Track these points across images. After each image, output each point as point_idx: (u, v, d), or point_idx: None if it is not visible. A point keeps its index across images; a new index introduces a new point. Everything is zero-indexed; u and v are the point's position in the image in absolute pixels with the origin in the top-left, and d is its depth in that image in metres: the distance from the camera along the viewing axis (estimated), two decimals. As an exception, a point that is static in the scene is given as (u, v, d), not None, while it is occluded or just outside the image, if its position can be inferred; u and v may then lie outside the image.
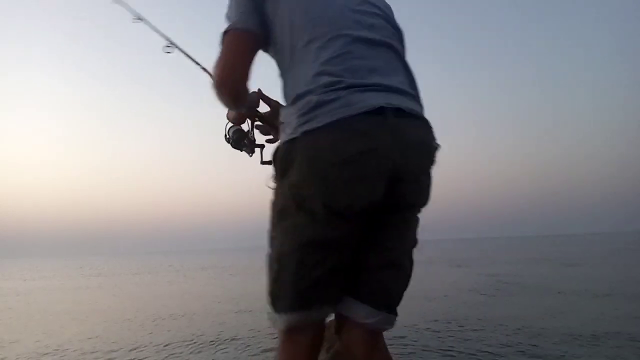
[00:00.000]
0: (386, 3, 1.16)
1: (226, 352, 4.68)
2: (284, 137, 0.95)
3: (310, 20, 0.97)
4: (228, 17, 1.02)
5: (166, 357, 4.65)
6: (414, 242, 1.05)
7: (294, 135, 0.91)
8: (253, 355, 4.52)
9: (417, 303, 7.11)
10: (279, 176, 0.96)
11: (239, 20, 1.01)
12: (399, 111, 0.92)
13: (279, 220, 0.96)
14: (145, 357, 4.66)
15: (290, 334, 0.96)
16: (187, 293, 11.86)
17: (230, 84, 1.01)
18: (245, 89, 1.04)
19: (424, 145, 0.98)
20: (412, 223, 1.04)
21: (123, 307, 9.35)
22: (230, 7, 1.03)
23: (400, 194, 0.94)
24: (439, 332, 5.10)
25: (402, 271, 1.02)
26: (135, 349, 5.08)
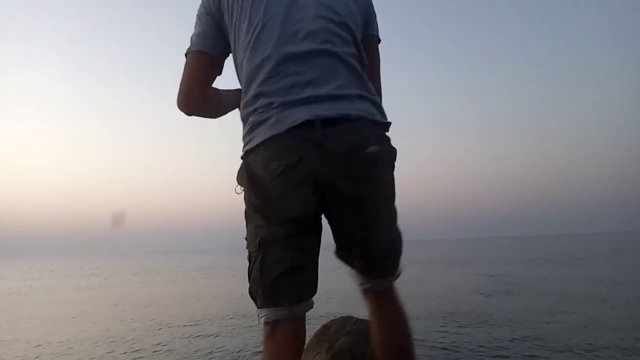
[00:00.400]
0: None
1: (224, 351, 4.69)
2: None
3: (250, 39, 1.01)
4: (191, 38, 1.08)
5: (165, 352, 4.66)
6: (388, 233, 1.07)
7: (242, 154, 1.02)
8: (251, 353, 4.53)
9: (416, 302, 7.11)
10: (241, 187, 1.05)
11: (196, 42, 1.07)
12: (328, 120, 0.94)
13: (247, 224, 1.04)
14: (144, 353, 4.67)
15: (269, 327, 1.00)
16: (186, 293, 11.88)
17: (187, 105, 1.09)
18: (202, 106, 1.12)
19: (355, 150, 0.95)
20: (379, 219, 1.04)
21: (123, 306, 9.37)
22: (194, 26, 1.09)
23: (339, 197, 0.97)
24: (438, 330, 5.10)
25: (385, 257, 1.08)
26: (134, 345, 5.09)
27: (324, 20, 1.02)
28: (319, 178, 0.94)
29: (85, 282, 18.79)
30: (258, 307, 1.01)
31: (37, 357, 4.89)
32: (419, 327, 5.30)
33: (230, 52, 1.10)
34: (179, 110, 1.08)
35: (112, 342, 5.47)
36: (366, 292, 1.12)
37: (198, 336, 5.56)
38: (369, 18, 1.15)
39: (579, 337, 4.58)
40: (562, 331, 4.87)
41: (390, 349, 1.08)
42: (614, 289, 8.57)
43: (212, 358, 4.53)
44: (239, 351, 4.70)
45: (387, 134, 1.05)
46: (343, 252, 1.08)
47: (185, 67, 1.07)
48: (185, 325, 6.43)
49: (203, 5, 1.09)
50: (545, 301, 7.28)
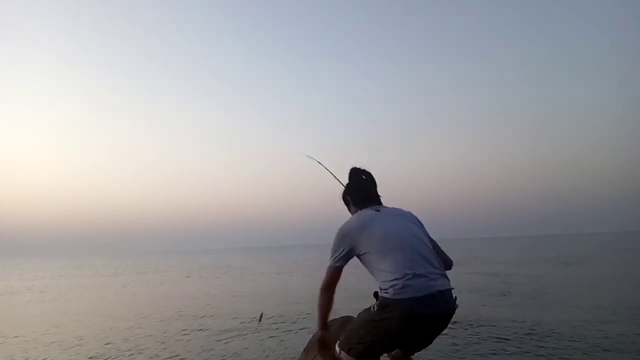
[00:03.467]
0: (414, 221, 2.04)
1: (222, 348, 4.72)
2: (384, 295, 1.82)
3: (379, 257, 1.84)
4: (332, 254, 1.92)
5: (164, 349, 4.69)
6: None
7: (382, 303, 1.80)
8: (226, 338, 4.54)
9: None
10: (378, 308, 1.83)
11: (340, 260, 1.91)
12: (439, 291, 1.78)
13: (368, 322, 1.84)
14: (145, 350, 4.70)
15: None
16: (186, 291, 11.91)
17: (326, 289, 1.93)
18: (331, 294, 1.95)
19: (450, 301, 1.81)
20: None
21: (125, 305, 9.39)
22: (333, 247, 1.92)
23: (436, 324, 1.81)
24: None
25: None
26: (136, 341, 5.15)
27: (418, 240, 1.90)
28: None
29: (88, 281, 18.84)
30: (351, 355, 1.90)
31: (50, 353, 4.91)
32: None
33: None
34: (320, 293, 1.94)
35: (114, 338, 5.51)
36: (397, 357, 2.02)
37: (195, 332, 5.58)
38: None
39: (578, 334, 4.60)
40: (561, 328, 4.90)
41: None
42: (610, 288, 8.60)
43: (212, 354, 4.55)
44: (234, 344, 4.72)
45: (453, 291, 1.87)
46: (403, 346, 1.93)
47: (331, 272, 1.91)
48: (184, 322, 6.46)
49: (343, 242, 1.90)
50: (544, 300, 7.33)
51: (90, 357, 4.78)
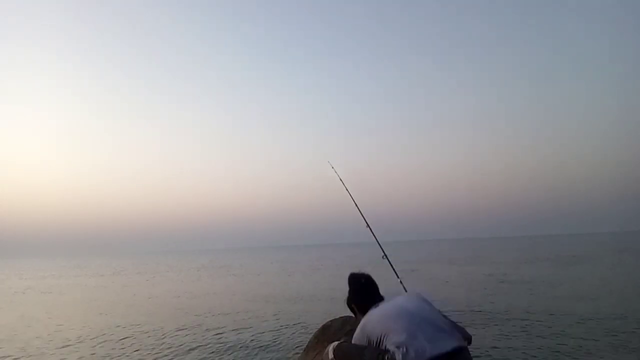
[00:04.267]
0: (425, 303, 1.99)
1: (226, 346, 4.71)
2: None
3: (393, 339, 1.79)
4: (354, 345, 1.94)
5: (166, 347, 4.70)
6: None
7: None
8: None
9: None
10: None
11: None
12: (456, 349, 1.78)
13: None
14: (147, 348, 4.70)
15: None
16: (186, 290, 11.92)
17: None
18: None
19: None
20: None
21: (125, 304, 9.40)
22: (355, 339, 1.93)
23: None
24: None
25: None
26: (137, 340, 5.13)
27: (420, 307, 1.91)
28: None
29: (88, 281, 18.86)
30: None
31: (58, 350, 4.91)
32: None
33: None
34: None
35: (113, 338, 5.51)
36: None
37: (194, 331, 5.59)
38: None
39: (577, 334, 4.60)
40: (559, 329, 4.90)
41: None
42: (607, 288, 8.60)
43: (215, 352, 4.55)
44: (240, 346, 4.72)
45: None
46: None
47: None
48: (183, 321, 6.46)
49: (360, 339, 1.90)
50: (542, 299, 7.34)
51: (90, 357, 4.79)
